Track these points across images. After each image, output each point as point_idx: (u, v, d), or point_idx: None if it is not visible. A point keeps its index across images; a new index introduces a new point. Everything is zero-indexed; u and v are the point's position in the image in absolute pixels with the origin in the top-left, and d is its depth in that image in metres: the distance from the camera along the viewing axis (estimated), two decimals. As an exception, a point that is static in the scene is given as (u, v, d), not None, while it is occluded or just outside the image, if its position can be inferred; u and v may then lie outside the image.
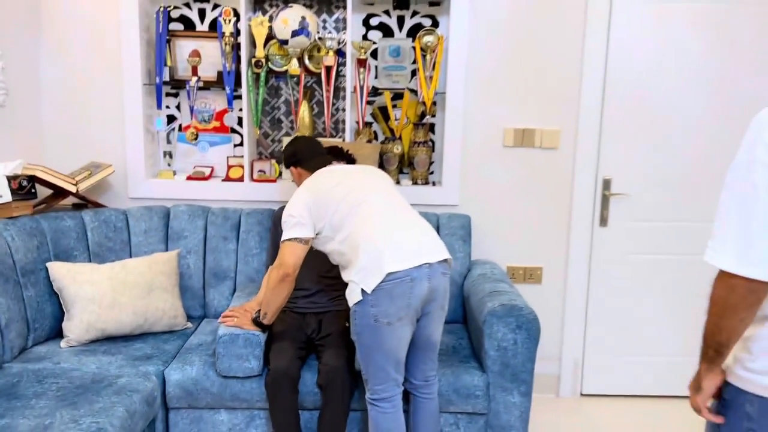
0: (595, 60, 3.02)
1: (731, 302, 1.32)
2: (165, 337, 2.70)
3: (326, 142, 2.96)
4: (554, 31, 3.02)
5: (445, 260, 2.19)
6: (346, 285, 2.34)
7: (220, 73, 3.12)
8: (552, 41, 3.03)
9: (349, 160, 2.73)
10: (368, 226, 2.17)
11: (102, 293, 2.61)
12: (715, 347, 1.39)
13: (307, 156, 2.55)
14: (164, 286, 2.75)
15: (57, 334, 2.66)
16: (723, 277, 1.32)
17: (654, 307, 3.21)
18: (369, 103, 3.17)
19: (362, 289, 2.09)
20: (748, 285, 1.29)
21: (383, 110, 3.21)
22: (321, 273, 2.70)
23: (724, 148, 3.07)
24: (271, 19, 3.04)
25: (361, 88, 3.02)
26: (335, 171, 2.41)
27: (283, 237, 2.28)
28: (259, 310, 2.43)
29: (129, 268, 2.71)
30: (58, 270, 2.62)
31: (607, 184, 3.12)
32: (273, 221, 2.88)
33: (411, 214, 2.28)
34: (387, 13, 3.13)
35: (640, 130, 3.08)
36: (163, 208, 2.99)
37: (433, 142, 3.21)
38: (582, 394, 3.28)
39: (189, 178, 3.14)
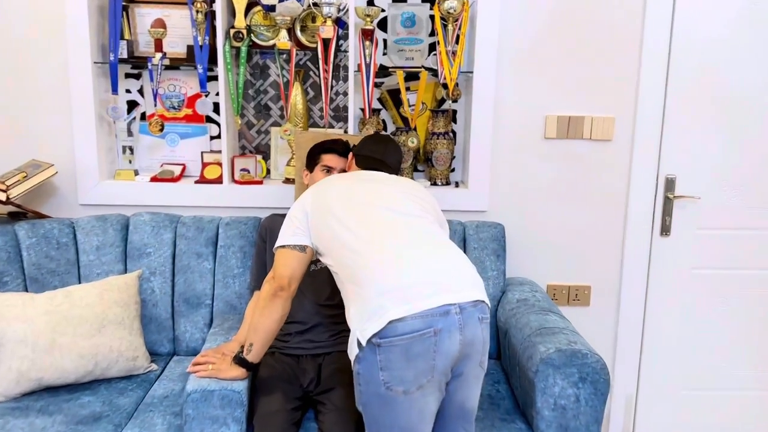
0: (658, 31, 2.42)
1: None
2: (121, 385, 2.11)
3: (324, 134, 2.37)
4: (608, -5, 2.43)
5: (482, 301, 1.61)
6: None
7: (190, 48, 2.51)
8: (605, 8, 2.43)
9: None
10: (371, 243, 1.62)
11: (37, 333, 2.01)
12: None
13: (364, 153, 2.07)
14: (120, 320, 2.16)
15: (-20, 385, 2.07)
16: None
17: (724, 332, 2.64)
18: (376, 85, 2.57)
19: (358, 341, 1.52)
20: None
21: (393, 94, 2.61)
22: (320, 300, 2.12)
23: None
24: (253, -21, 2.43)
25: (367, 66, 2.42)
26: (358, 174, 1.94)
27: (277, 243, 1.83)
28: (243, 345, 1.86)
29: (74, 298, 2.12)
30: (-21, 303, 2.02)
31: (670, 184, 2.54)
32: (259, 233, 2.29)
33: (438, 237, 1.71)
34: (398, -28, 2.52)
35: (712, 118, 2.50)
36: (120, 217, 2.39)
37: (454, 134, 2.62)
38: (635, 437, 2.72)
39: (154, 179, 2.54)
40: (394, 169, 2.04)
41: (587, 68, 2.47)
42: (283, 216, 2.30)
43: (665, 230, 2.57)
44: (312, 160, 2.19)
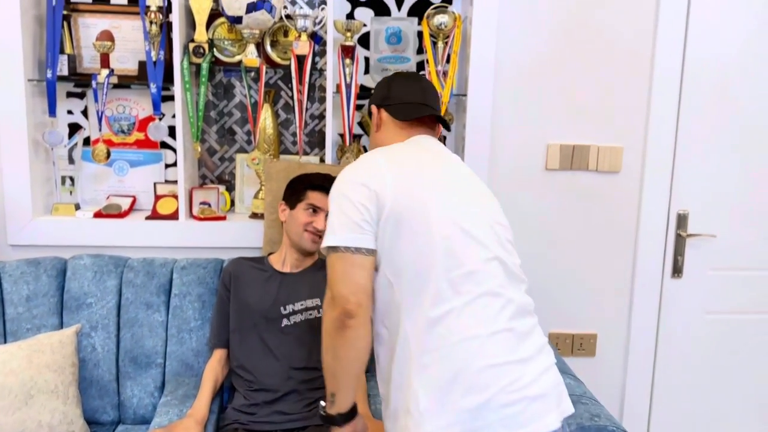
0: (670, 54, 2.19)
1: None
2: (52, 468, 1.75)
3: (298, 164, 2.06)
4: (616, 15, 2.18)
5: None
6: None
7: (143, 64, 2.18)
8: (613, 27, 2.19)
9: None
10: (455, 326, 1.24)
11: (-56, 410, 1.64)
12: None
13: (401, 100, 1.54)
14: (53, 387, 1.79)
15: None
16: None
17: (739, 381, 2.40)
18: (357, 108, 2.27)
19: None
20: None
21: (376, 118, 2.32)
22: (293, 363, 1.80)
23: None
24: (217, -13, 2.12)
25: (348, 86, 2.12)
26: (419, 154, 1.43)
27: (326, 242, 1.31)
28: (324, 399, 1.38)
29: (-6, 363, 1.75)
30: None
31: (682, 220, 2.29)
32: (222, 280, 1.96)
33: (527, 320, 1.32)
34: (382, -18, 2.24)
35: (728, 149, 2.28)
36: (57, 261, 2.03)
37: (444, 163, 2.33)
38: (645, 502, 2.45)
39: (98, 214, 2.18)
40: (437, 110, 1.57)
41: (593, 93, 2.22)
42: (252, 260, 1.98)
43: (677, 271, 2.32)
44: (294, 195, 1.88)
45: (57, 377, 1.82)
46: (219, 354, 1.89)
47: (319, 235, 1.86)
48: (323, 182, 1.88)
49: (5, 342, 1.93)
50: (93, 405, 1.97)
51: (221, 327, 1.90)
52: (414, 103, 1.52)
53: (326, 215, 1.81)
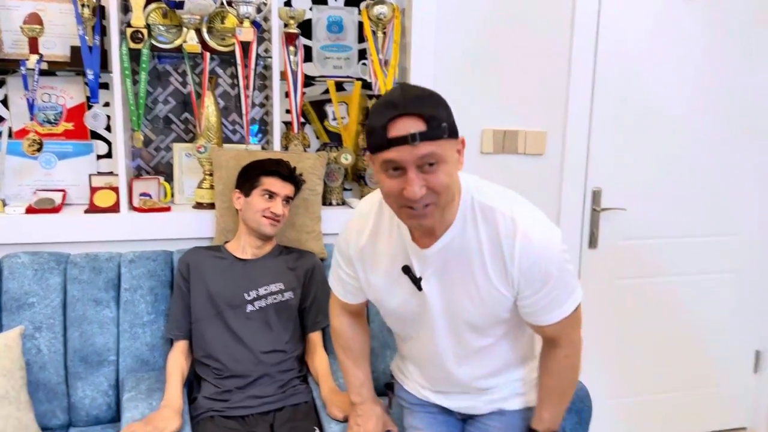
0: (585, 46, 2.42)
1: None
2: (9, 478, 1.64)
3: (247, 152, 2.07)
4: (538, 11, 2.37)
5: None
6: (302, 361, 1.77)
7: (75, 50, 2.06)
8: (536, 21, 2.38)
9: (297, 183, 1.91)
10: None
11: None
12: None
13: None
14: (4, 393, 1.68)
15: None
16: None
17: (649, 339, 2.71)
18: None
19: None
20: None
21: (316, 106, 2.36)
22: (262, 347, 1.82)
23: (729, 154, 2.65)
24: (154, -30, 2.05)
25: (294, 74, 2.15)
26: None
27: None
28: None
29: (-64, 372, 1.61)
30: None
31: (596, 196, 2.55)
32: (179, 271, 1.92)
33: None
34: (319, -28, 2.28)
35: (635, 131, 2.55)
36: (-11, 261, 1.89)
37: (383, 149, 2.42)
38: (570, 452, 2.69)
39: (30, 209, 2.05)
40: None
41: (521, 82, 2.40)
42: (209, 248, 1.96)
43: (593, 243, 2.57)
44: (248, 181, 1.88)
45: (7, 382, 1.70)
46: (181, 345, 1.87)
47: (277, 219, 1.88)
48: (277, 167, 1.90)
49: (-61, 350, 1.77)
50: (41, 409, 1.86)
51: (181, 318, 1.88)
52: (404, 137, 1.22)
53: (282, 199, 1.85)
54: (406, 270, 1.37)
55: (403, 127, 1.18)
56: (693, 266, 2.69)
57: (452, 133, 1.23)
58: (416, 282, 1.37)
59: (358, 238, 1.44)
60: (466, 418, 1.61)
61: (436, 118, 1.19)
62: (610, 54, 2.46)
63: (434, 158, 1.19)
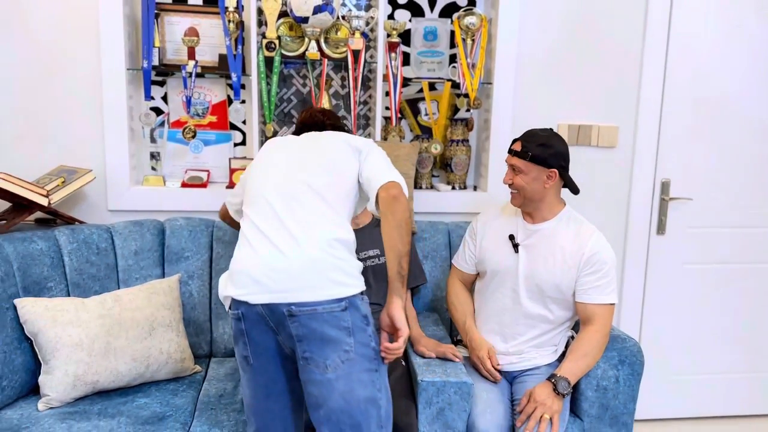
0: (656, 46, 2.68)
1: None
2: (171, 386, 2.14)
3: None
4: (611, 15, 2.66)
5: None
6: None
7: (222, 57, 2.57)
8: (610, 23, 2.66)
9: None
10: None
11: (93, 337, 2.02)
12: None
13: None
14: (168, 322, 2.19)
15: (31, 391, 2.06)
16: None
17: (714, 322, 2.92)
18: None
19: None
20: None
21: (410, 103, 2.76)
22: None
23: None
24: (285, -8, 2.52)
25: (395, 76, 2.55)
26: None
27: None
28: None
29: (124, 302, 2.14)
30: (31, 308, 2.01)
31: (665, 187, 2.79)
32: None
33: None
34: (419, -11, 2.67)
35: (702, 126, 2.77)
36: (156, 222, 2.42)
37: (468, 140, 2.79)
38: (636, 420, 2.95)
39: (185, 184, 2.57)
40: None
41: (595, 79, 2.69)
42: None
43: (661, 229, 2.82)
44: None
45: (171, 314, 2.21)
46: None
47: None
48: None
49: (119, 287, 2.31)
50: (191, 341, 2.36)
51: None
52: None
53: None
54: (511, 237, 2.11)
55: (514, 146, 2.06)
56: (755, 256, 2.87)
57: (536, 160, 2.00)
58: (515, 246, 2.08)
59: (486, 217, 2.23)
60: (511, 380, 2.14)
61: (528, 148, 2.01)
62: (680, 56, 2.70)
63: (517, 168, 2.03)
